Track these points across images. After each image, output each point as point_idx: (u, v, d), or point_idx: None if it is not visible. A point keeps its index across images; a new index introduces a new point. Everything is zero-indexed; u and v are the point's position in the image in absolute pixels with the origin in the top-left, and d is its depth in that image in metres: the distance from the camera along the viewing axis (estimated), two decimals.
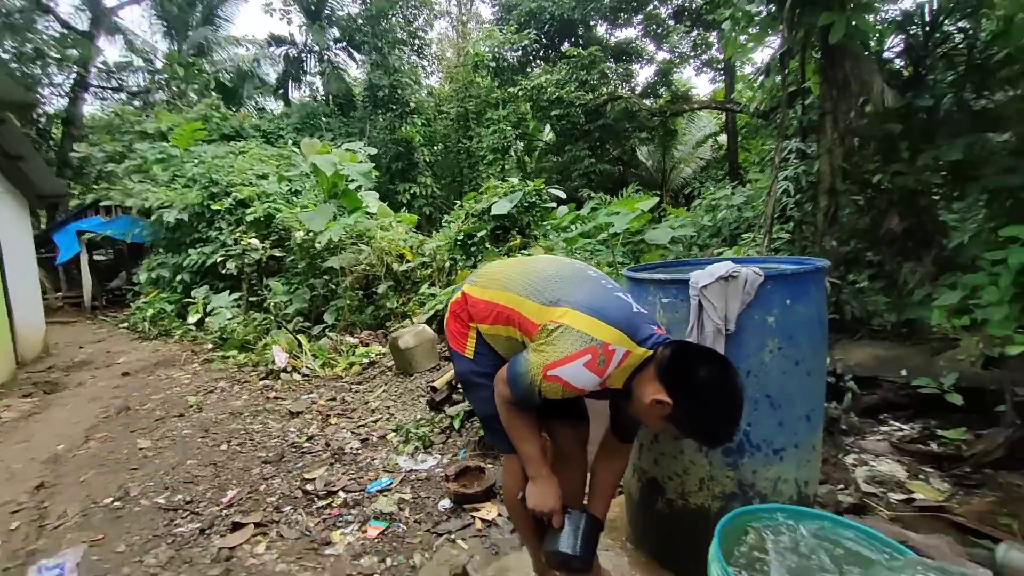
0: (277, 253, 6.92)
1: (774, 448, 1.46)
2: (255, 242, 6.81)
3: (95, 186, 10.96)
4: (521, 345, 1.33)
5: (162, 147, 9.29)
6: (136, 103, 15.25)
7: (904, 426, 2.52)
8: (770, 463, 1.46)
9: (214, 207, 7.33)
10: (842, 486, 2.05)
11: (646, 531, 1.71)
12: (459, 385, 3.44)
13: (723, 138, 12.73)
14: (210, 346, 5.97)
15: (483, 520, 2.15)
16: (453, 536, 2.06)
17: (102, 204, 10.02)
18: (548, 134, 14.01)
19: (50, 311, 8.38)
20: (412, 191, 12.75)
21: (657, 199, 5.03)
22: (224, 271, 6.86)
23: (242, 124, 12.71)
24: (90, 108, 15.76)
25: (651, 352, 1.20)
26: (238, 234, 6.98)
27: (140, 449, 3.22)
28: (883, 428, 2.53)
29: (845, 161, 3.81)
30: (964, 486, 2.02)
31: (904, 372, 2.63)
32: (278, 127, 13.52)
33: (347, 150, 8.02)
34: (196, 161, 8.39)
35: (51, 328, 6.97)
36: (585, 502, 1.46)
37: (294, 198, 7.83)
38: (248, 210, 7.05)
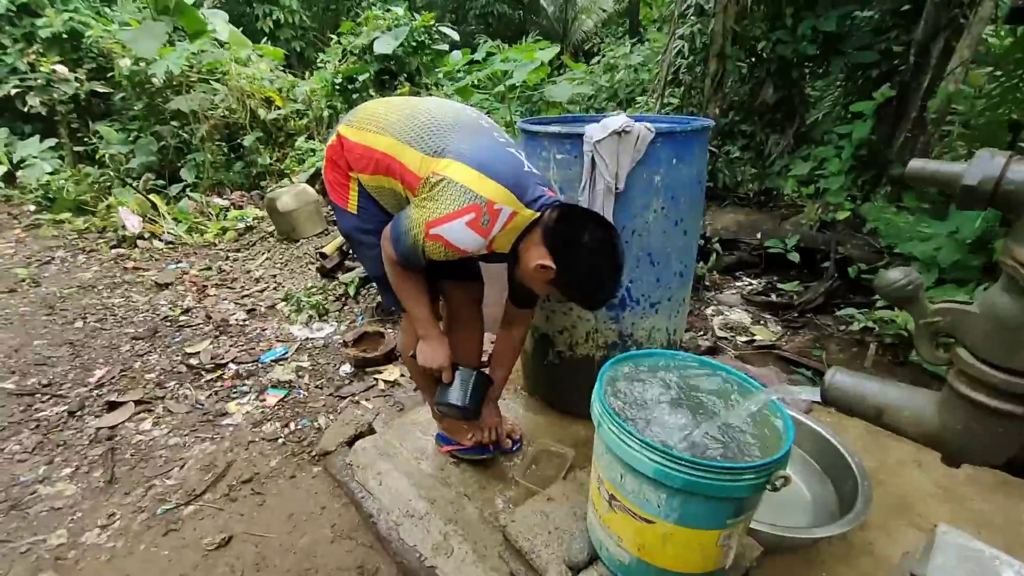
0: (100, 88, 5.50)
1: (651, 302, 1.65)
2: (61, 69, 5.31)
3: None
4: (406, 200, 1.25)
5: None
6: None
7: (753, 281, 2.99)
8: (647, 315, 1.66)
9: None
10: (702, 332, 2.45)
11: (539, 380, 1.92)
12: (348, 241, 3.31)
13: None
14: (32, 208, 4.90)
15: (386, 381, 2.25)
16: (357, 398, 2.15)
17: None
18: None
19: None
20: (275, 17, 10.47)
21: (557, 49, 4.72)
22: (27, 109, 5.36)
23: None
24: None
25: (538, 214, 1.17)
26: (32, 56, 5.34)
27: None
28: (737, 284, 2.98)
29: (737, 23, 3.83)
30: (791, 328, 2.52)
31: (759, 235, 3.04)
32: None
33: None
34: None
35: None
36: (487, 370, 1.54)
37: (107, 10, 6.03)
38: (39, 21, 5.32)
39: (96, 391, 2.23)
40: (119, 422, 2.02)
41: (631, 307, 1.63)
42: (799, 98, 4.02)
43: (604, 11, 12.50)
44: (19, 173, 5.24)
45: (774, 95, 4.01)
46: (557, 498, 1.34)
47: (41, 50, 5.38)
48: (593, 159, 1.41)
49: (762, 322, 2.59)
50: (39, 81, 5.29)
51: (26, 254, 3.89)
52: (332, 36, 6.04)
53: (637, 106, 5.41)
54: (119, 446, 1.90)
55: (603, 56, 6.18)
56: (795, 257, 2.84)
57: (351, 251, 3.30)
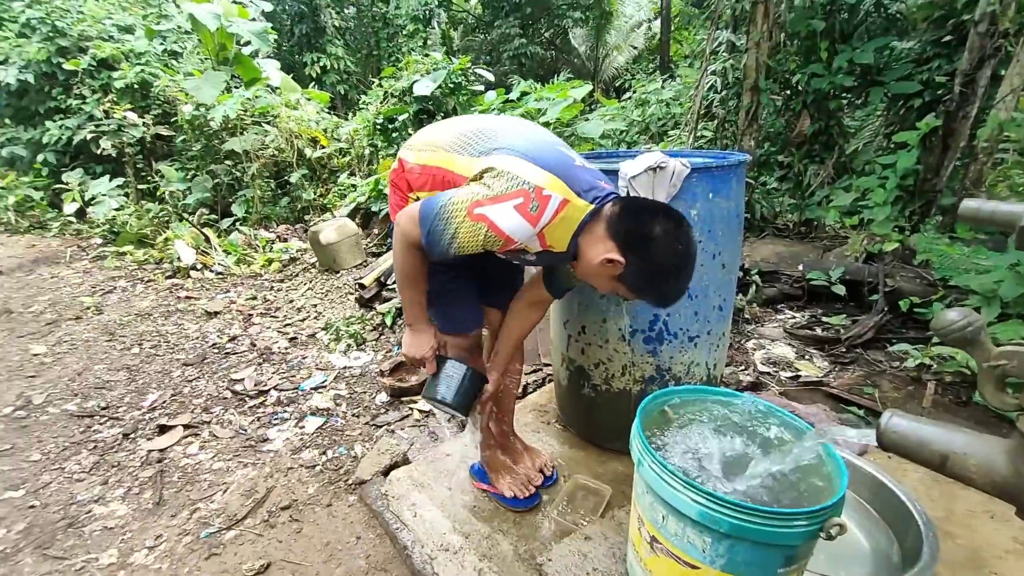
0: (163, 131, 5.97)
1: (689, 336, 1.62)
2: (132, 116, 5.79)
3: None
4: None
5: None
6: None
7: (796, 314, 2.90)
8: (685, 349, 1.63)
9: (68, 67, 5.98)
10: (743, 367, 2.38)
11: (573, 414, 1.90)
12: (388, 283, 3.40)
13: (657, 24, 12.19)
14: (99, 241, 5.28)
15: (420, 411, 2.27)
16: (392, 427, 2.17)
17: None
18: (475, 5, 12.58)
19: None
20: (322, 63, 11.21)
21: (590, 87, 4.84)
22: (100, 151, 5.85)
23: None
24: None
25: (592, 206, 1.11)
26: (107, 104, 5.86)
27: (35, 355, 2.93)
28: (779, 316, 2.89)
29: (770, 57, 3.85)
30: (839, 363, 2.41)
31: (801, 267, 2.96)
32: None
33: (234, 1, 6.69)
34: (28, 0, 6.60)
35: None
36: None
37: (173, 61, 6.58)
38: (115, 74, 5.86)
39: (149, 414, 2.34)
40: (168, 445, 2.11)
41: (669, 341, 1.61)
42: (838, 129, 3.97)
43: (635, 48, 12.80)
44: (89, 209, 5.68)
45: (811, 126, 3.97)
46: (595, 537, 1.31)
47: (115, 99, 5.90)
48: (628, 194, 1.43)
49: (807, 357, 2.49)
50: (112, 126, 5.78)
51: (91, 283, 4.17)
52: (374, 80, 6.40)
53: (669, 139, 5.46)
54: (168, 468, 1.97)
55: (634, 92, 6.29)
56: (840, 290, 2.74)
57: (389, 283, 3.40)
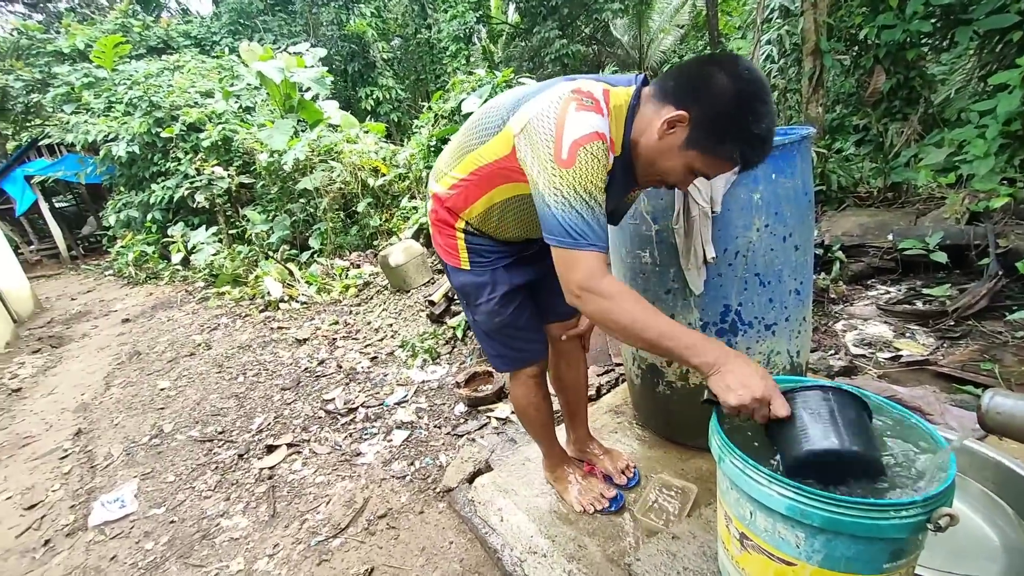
0: (245, 180, 6.60)
1: (765, 324, 1.55)
2: (219, 170, 6.46)
3: (28, 123, 10.06)
4: (521, 200, 1.13)
5: (86, 69, 8.36)
6: (38, 16, 13.46)
7: (891, 289, 2.65)
8: (762, 338, 1.56)
9: (164, 135, 6.80)
10: (832, 351, 2.21)
11: (650, 412, 1.87)
12: (456, 298, 3.52)
13: (701, 1, 11.67)
14: (202, 284, 5.93)
15: (497, 419, 2.33)
16: (472, 436, 2.25)
17: (42, 143, 9.27)
18: (513, 15, 12.74)
19: (29, 266, 8.21)
20: (375, 96, 11.85)
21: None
22: (196, 205, 6.59)
23: (167, 32, 11.39)
24: None
25: (632, 88, 1.01)
26: (198, 163, 6.59)
27: (161, 390, 3.34)
28: (870, 293, 2.66)
29: (830, 16, 3.57)
30: (948, 339, 2.17)
31: (890, 236, 2.71)
32: (209, 31, 12.14)
33: (293, 54, 7.28)
34: (129, 83, 7.60)
35: (36, 283, 6.85)
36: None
37: (248, 116, 7.27)
38: (202, 135, 6.58)
39: (257, 436, 2.59)
40: (276, 463, 2.32)
41: (743, 331, 1.54)
42: (920, 80, 3.59)
43: (680, 28, 12.33)
44: (192, 257, 6.40)
45: (888, 81, 3.63)
46: (683, 536, 1.28)
47: (204, 156, 6.63)
48: None
49: (908, 334, 2.27)
50: (203, 181, 6.48)
51: (200, 323, 4.69)
52: (424, 104, 6.67)
53: None
54: (278, 484, 2.18)
55: None
56: (941, 257, 2.47)
57: (459, 301, 3.52)
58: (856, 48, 3.80)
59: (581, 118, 0.92)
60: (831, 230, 3.00)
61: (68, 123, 7.57)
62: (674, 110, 0.92)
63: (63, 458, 2.69)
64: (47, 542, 2.05)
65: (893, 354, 2.13)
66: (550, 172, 0.94)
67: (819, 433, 0.87)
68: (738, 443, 0.96)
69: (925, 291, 2.49)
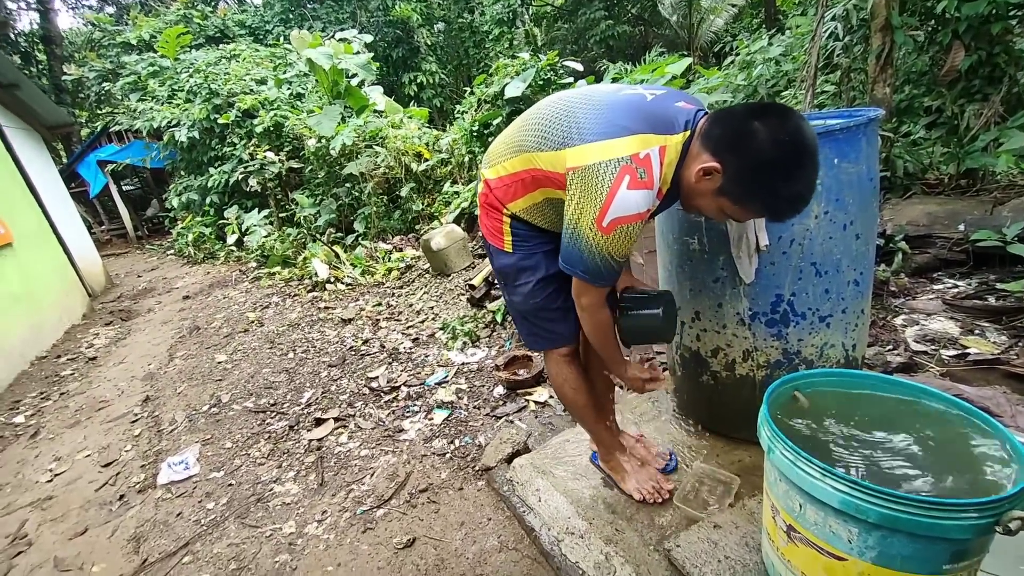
0: (295, 164, 6.83)
1: (820, 316, 1.49)
2: (271, 155, 6.71)
3: (98, 111, 10.78)
4: (562, 204, 1.16)
5: (151, 59, 8.85)
6: (109, 9, 14.34)
7: (959, 283, 2.47)
8: (816, 330, 1.50)
9: (221, 121, 7.12)
10: (891, 347, 2.10)
11: (693, 402, 1.84)
12: (496, 281, 3.55)
13: None
14: (254, 264, 6.23)
15: (536, 402, 2.36)
16: (511, 418, 2.29)
17: (112, 130, 9.90)
18: None
19: (100, 244, 8.85)
20: (419, 80, 11.95)
21: (688, 60, 4.55)
22: (249, 189, 6.88)
23: (224, 22, 11.89)
24: (64, 23, 15.05)
25: (687, 133, 1.05)
26: (252, 148, 6.87)
27: (219, 363, 3.56)
28: (935, 287, 2.49)
29: None
30: (1023, 337, 2.02)
31: (962, 227, 2.52)
32: (263, 20, 12.57)
33: (340, 40, 7.42)
34: (190, 71, 7.99)
35: (106, 260, 7.39)
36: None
37: (298, 102, 7.50)
38: (255, 121, 6.85)
39: (306, 410, 2.73)
40: (324, 436, 2.44)
41: (795, 322, 1.49)
42: (1005, 56, 3.28)
43: (733, 6, 11.73)
44: (246, 238, 6.71)
45: (967, 59, 3.33)
46: (724, 526, 1.27)
47: (257, 142, 6.90)
48: None
49: (977, 331, 2.12)
50: (256, 166, 6.76)
51: (253, 301, 4.94)
52: (466, 88, 6.68)
53: (783, 101, 4.94)
54: (325, 455, 2.29)
55: (737, 54, 5.79)
56: (1020, 250, 2.28)
57: (498, 282, 3.55)
58: (932, 22, 3.51)
59: (630, 197, 1.01)
60: (894, 219, 2.82)
61: (135, 110, 8.05)
62: (711, 159, 0.99)
63: (134, 422, 2.92)
64: (122, 497, 2.24)
65: (959, 351, 2.00)
66: (588, 225, 1.06)
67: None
68: (789, 434, 0.93)
69: (999, 286, 2.31)
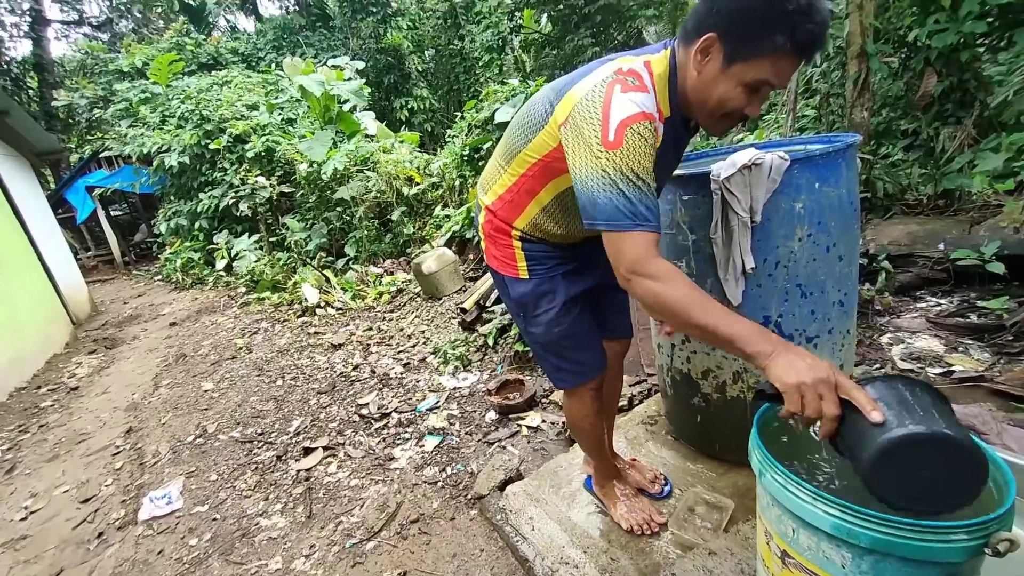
0: (286, 189, 6.85)
1: (807, 336, 1.50)
2: (262, 180, 6.74)
3: (88, 136, 10.80)
4: (571, 195, 1.08)
5: (143, 85, 8.94)
6: (102, 36, 14.54)
7: (941, 301, 2.51)
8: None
9: (212, 146, 7.16)
10: (878, 365, 2.12)
11: (684, 424, 1.83)
12: (512, 316, 3.54)
13: None
14: (243, 289, 6.18)
15: (528, 427, 2.33)
16: (503, 443, 2.26)
17: (102, 155, 9.91)
18: (545, 25, 12.82)
19: (86, 271, 8.76)
20: (409, 106, 12.15)
21: None
22: (239, 213, 6.88)
23: (217, 49, 12.08)
24: (57, 50, 15.25)
25: (668, 49, 1.02)
26: (243, 173, 6.89)
27: (205, 391, 3.49)
28: (919, 305, 2.53)
29: (877, 19, 3.45)
30: (1006, 354, 2.04)
31: (942, 246, 2.58)
32: (255, 47, 12.78)
33: (332, 67, 7.55)
34: (181, 97, 8.07)
35: (92, 287, 7.29)
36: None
37: (289, 127, 7.57)
38: (247, 146, 6.89)
39: (295, 438, 2.67)
40: (312, 465, 2.39)
41: None
42: (975, 82, 3.42)
43: None
44: (235, 263, 6.68)
45: (939, 84, 3.47)
46: (720, 552, 1.25)
47: (248, 167, 6.93)
48: (723, 195, 1.38)
49: (961, 349, 2.15)
50: (247, 191, 6.77)
51: (241, 327, 4.88)
52: (457, 113, 6.80)
53: (764, 124, 5.08)
54: (314, 486, 2.24)
55: None
56: (998, 268, 2.33)
57: (517, 314, 3.54)
58: (905, 50, 3.65)
59: (627, 99, 0.92)
60: (877, 239, 2.88)
61: (125, 136, 8.08)
62: (699, 39, 0.92)
63: (115, 454, 2.84)
64: (100, 535, 2.16)
65: (944, 369, 2.02)
66: (596, 154, 0.92)
67: (894, 419, 0.72)
68: (779, 457, 0.93)
69: (980, 303, 2.36)
